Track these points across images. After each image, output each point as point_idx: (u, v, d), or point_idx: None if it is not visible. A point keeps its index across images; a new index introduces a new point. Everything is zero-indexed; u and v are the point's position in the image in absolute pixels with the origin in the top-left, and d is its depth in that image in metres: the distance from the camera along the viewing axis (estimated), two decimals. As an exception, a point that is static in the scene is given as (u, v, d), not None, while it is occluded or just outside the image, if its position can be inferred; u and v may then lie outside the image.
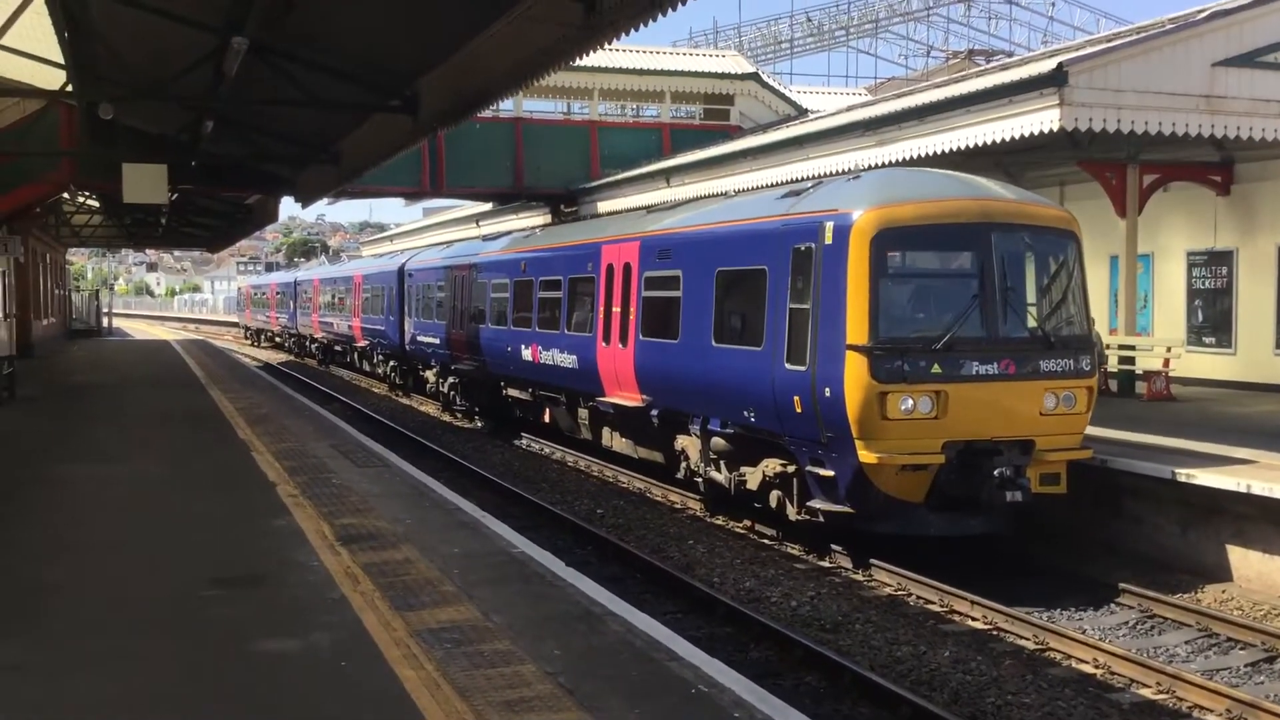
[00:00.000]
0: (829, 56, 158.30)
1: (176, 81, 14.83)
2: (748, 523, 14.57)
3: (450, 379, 26.41)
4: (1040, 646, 10.08)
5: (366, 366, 37.18)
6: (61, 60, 15.06)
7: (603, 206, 29.65)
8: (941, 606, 11.21)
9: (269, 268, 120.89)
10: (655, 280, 15.93)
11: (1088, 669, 9.54)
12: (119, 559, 9.30)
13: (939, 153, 16.90)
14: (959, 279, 12.37)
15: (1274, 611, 10.94)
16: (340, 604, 7.76)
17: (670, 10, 8.79)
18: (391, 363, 33.12)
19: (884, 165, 17.77)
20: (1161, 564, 12.27)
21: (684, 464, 15.46)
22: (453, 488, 13.27)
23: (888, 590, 11.84)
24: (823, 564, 12.86)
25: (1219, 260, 20.70)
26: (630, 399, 16.50)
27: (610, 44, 10.74)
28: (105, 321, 63.51)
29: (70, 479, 13.00)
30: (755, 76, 34.87)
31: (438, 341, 26.86)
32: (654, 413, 15.86)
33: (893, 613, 11.06)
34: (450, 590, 8.11)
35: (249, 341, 64.04)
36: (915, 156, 17.36)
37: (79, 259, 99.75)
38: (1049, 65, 15.28)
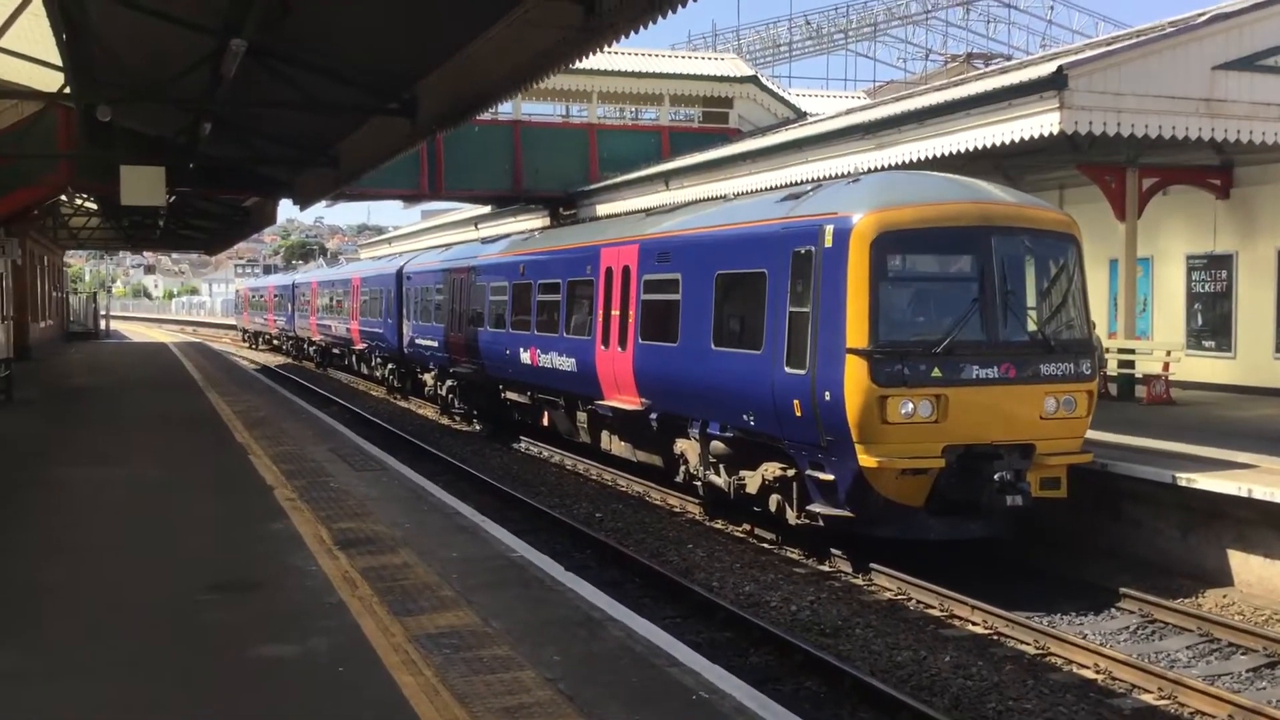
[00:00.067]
0: (828, 59, 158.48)
1: (174, 84, 14.80)
2: (747, 527, 14.54)
3: (448, 382, 26.37)
4: (1041, 651, 10.04)
5: (365, 369, 37.14)
6: (59, 62, 15.03)
7: (601, 209, 29.62)
8: (942, 611, 11.18)
9: (267, 270, 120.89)
10: (654, 283, 15.90)
11: (1089, 674, 9.50)
12: (116, 562, 9.27)
13: (938, 156, 16.88)
14: (959, 282, 12.34)
15: (1275, 616, 10.91)
16: (338, 609, 7.72)
17: (670, 12, 8.75)
18: (390, 366, 33.08)
19: (883, 168, 17.74)
20: (1162, 568, 12.23)
21: (683, 468, 15.42)
22: (451, 491, 13.24)
23: (888, 595, 11.81)
24: (822, 568, 12.82)
25: (1218, 264, 20.69)
26: (629, 402, 16.46)
27: (609, 47, 10.71)
28: (103, 324, 63.47)
29: (68, 481, 12.97)
30: (754, 79, 34.87)
31: (436, 344, 26.82)
32: (653, 416, 15.82)
33: (893, 617, 11.03)
34: (449, 595, 8.07)
35: (247, 344, 63.95)
36: (915, 160, 17.34)
37: (76, 261, 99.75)
38: (1049, 68, 15.27)
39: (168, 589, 8.36)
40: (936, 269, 12.65)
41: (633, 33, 9.61)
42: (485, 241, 26.71)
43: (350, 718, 5.89)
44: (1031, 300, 12.57)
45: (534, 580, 8.61)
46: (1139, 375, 19.28)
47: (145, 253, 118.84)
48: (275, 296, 55.15)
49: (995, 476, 11.52)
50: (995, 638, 10.47)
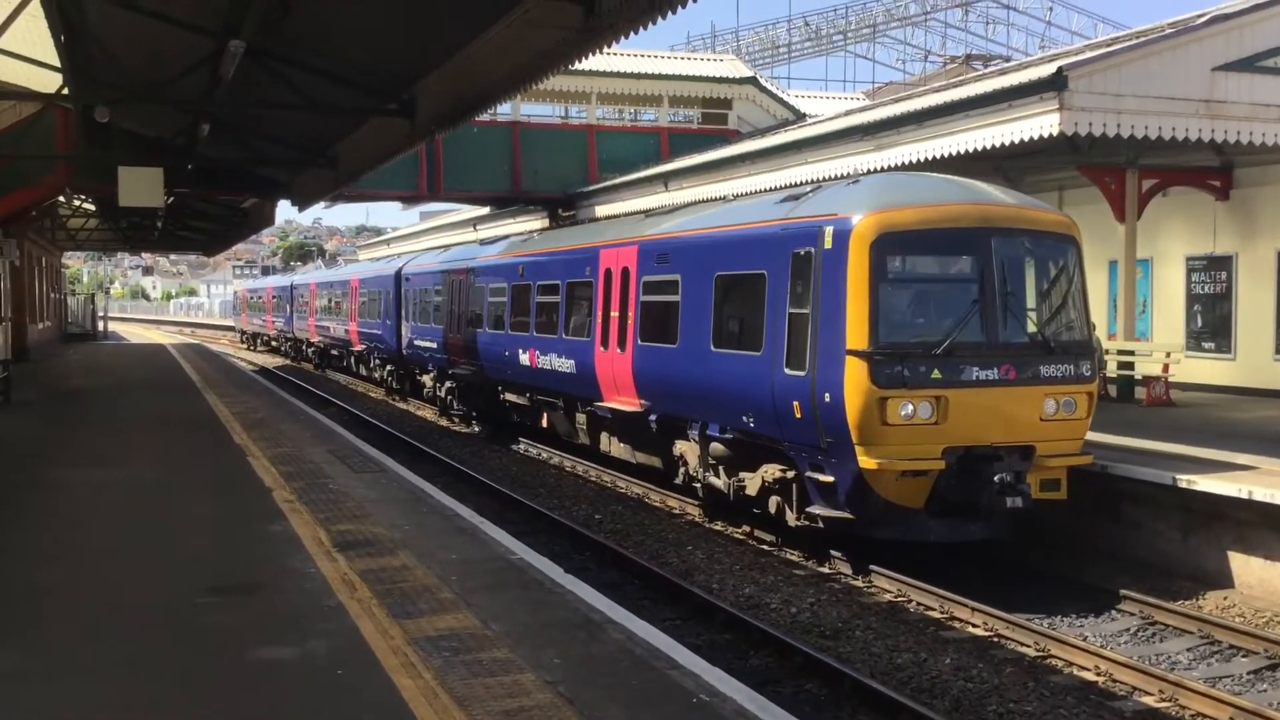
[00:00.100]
0: (827, 61, 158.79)
1: (173, 85, 14.78)
2: (747, 528, 14.51)
3: (447, 384, 26.34)
4: (1041, 653, 10.02)
5: (363, 371, 37.11)
6: (58, 63, 15.01)
7: (600, 210, 29.60)
8: (942, 613, 11.16)
9: (265, 271, 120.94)
10: (653, 285, 15.88)
11: (1089, 676, 9.49)
12: (115, 564, 9.25)
13: (938, 157, 16.86)
14: (959, 284, 12.32)
15: (1276, 618, 10.90)
16: (337, 611, 7.69)
17: (670, 13, 8.73)
18: (388, 367, 33.06)
19: (883, 170, 17.73)
20: (1162, 570, 12.22)
21: (682, 469, 15.40)
22: (450, 493, 13.21)
23: (888, 596, 11.79)
24: (822, 570, 12.80)
25: (1218, 265, 20.68)
26: (628, 404, 16.44)
27: (608, 47, 10.69)
28: (101, 325, 63.43)
29: (66, 483, 12.95)
30: (753, 81, 34.86)
31: (435, 346, 26.80)
32: (652, 418, 15.80)
33: (893, 619, 11.01)
34: (448, 597, 8.05)
35: (245, 346, 63.92)
36: (914, 161, 17.32)
37: (75, 262, 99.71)
38: (1048, 69, 15.25)
39: (167, 590, 8.33)
40: (936, 270, 12.63)
41: (632, 33, 9.58)
42: (484, 243, 26.70)
43: (350, 720, 5.87)
44: (1031, 301, 12.56)
45: (533, 582, 8.58)
46: (1139, 377, 19.27)
47: (143, 254, 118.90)
48: (273, 298, 55.14)
49: (995, 478, 11.50)
50: (995, 640, 10.46)
